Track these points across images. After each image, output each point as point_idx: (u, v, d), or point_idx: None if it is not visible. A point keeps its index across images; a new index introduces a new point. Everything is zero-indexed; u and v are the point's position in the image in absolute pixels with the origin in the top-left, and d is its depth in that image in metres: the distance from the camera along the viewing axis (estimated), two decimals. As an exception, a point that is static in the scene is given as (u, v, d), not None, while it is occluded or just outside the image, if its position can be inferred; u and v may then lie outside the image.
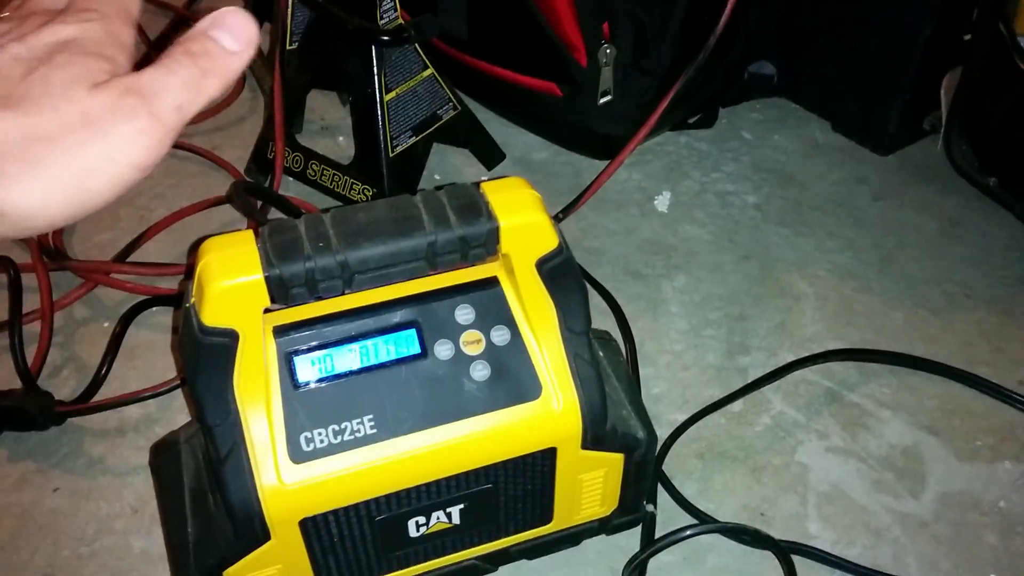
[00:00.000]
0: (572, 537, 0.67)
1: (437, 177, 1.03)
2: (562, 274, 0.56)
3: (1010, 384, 0.80)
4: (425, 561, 0.62)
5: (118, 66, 0.31)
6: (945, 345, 0.84)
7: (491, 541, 0.63)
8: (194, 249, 0.60)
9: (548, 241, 0.55)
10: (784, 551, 0.66)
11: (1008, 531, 0.70)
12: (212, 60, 0.33)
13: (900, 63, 0.99)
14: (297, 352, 0.54)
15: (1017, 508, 0.72)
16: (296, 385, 0.53)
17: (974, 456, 0.75)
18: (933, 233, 0.96)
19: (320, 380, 0.54)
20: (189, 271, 0.52)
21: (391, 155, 0.93)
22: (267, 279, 0.50)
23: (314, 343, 0.54)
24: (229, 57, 0.33)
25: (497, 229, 0.53)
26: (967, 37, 0.96)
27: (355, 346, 0.55)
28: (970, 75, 0.96)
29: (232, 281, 0.49)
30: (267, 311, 0.52)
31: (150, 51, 1.21)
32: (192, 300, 0.51)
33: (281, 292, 0.50)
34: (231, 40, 0.33)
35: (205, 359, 0.50)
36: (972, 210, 0.99)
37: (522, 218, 0.54)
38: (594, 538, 0.69)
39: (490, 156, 1.05)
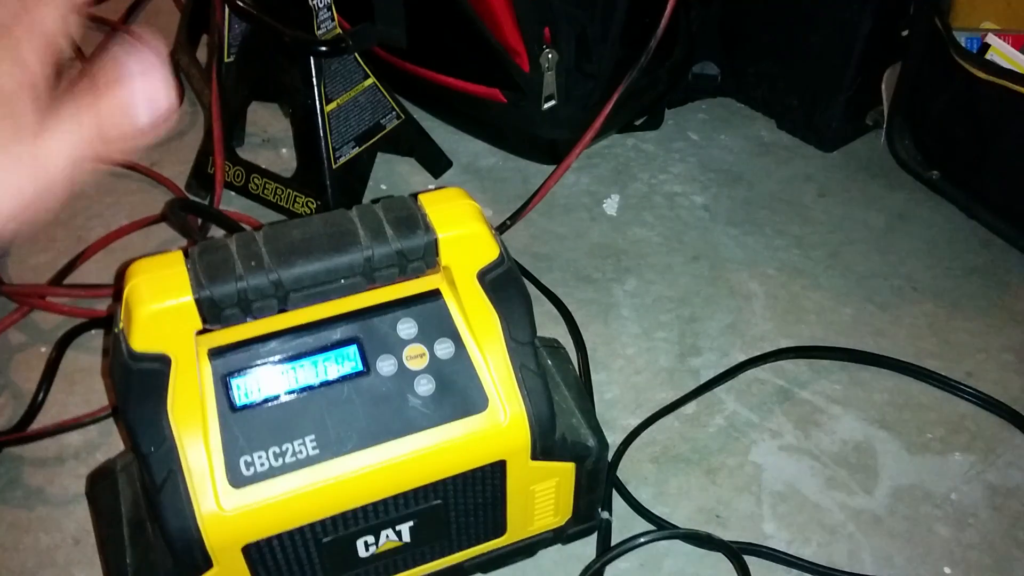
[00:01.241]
0: (527, 548, 0.66)
1: (383, 187, 1.02)
2: (504, 284, 0.55)
3: (958, 376, 0.81)
4: (377, 581, 0.61)
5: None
6: (894, 339, 0.85)
7: (444, 557, 0.62)
8: (121, 272, 0.59)
9: (488, 251, 0.54)
10: (738, 554, 0.65)
11: (960, 523, 0.70)
12: (116, 129, 0.29)
13: (841, 60, 0.99)
14: (234, 374, 0.52)
15: (968, 499, 0.72)
16: (234, 408, 0.52)
17: (925, 449, 0.76)
18: (879, 228, 0.97)
19: (259, 402, 0.52)
20: (117, 295, 0.51)
21: (334, 166, 0.91)
22: (197, 301, 0.48)
23: (251, 364, 0.53)
24: (135, 132, 0.30)
25: (435, 241, 0.52)
26: (905, 33, 0.97)
27: (294, 365, 0.53)
28: (909, 70, 0.97)
29: (161, 304, 0.48)
30: (201, 333, 0.51)
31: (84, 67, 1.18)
32: (120, 325, 0.49)
33: (213, 313, 0.49)
34: (146, 113, 0.30)
35: (136, 386, 0.49)
36: (917, 204, 1.00)
37: (461, 229, 0.53)
38: (550, 548, 0.68)
39: (437, 164, 1.04)
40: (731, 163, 1.06)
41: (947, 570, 0.68)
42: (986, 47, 0.91)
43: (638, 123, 1.09)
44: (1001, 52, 0.90)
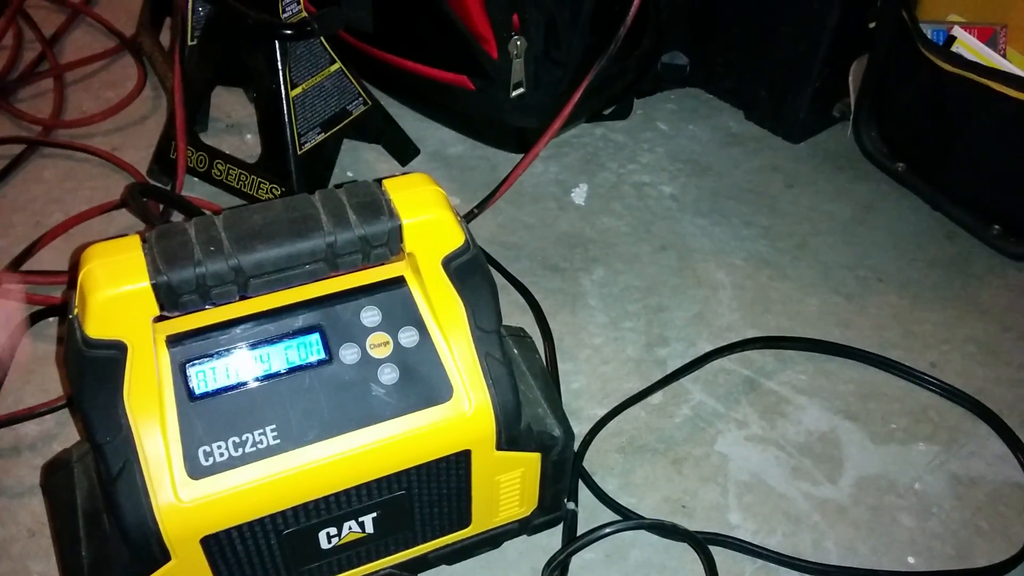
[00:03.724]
0: (492, 539, 0.65)
1: (350, 174, 1.01)
2: (470, 271, 0.54)
3: (922, 366, 0.81)
4: (339, 573, 0.60)
5: None
6: (859, 330, 0.85)
7: (408, 548, 0.61)
8: (76, 257, 0.58)
9: (454, 238, 0.53)
10: (704, 544, 0.65)
11: (924, 513, 0.71)
12: None
13: (808, 51, 0.99)
14: (192, 362, 0.51)
15: (932, 489, 0.72)
16: (192, 396, 0.51)
17: (889, 439, 0.76)
18: (845, 219, 0.97)
19: (218, 390, 0.51)
20: (71, 281, 0.50)
21: (299, 152, 0.90)
22: (154, 286, 0.47)
23: (210, 352, 0.52)
24: None
25: (400, 227, 0.51)
26: (872, 25, 0.97)
27: (255, 353, 0.52)
28: (876, 62, 0.97)
29: (116, 290, 0.46)
30: (159, 320, 0.50)
31: (45, 49, 1.16)
32: (75, 311, 0.48)
33: (171, 300, 0.48)
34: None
35: (91, 373, 0.47)
36: (882, 196, 1.00)
37: (425, 215, 0.52)
38: (515, 539, 0.67)
39: (404, 151, 1.03)
40: (699, 153, 1.06)
41: (911, 559, 0.68)
42: (952, 40, 0.92)
43: (607, 112, 1.09)
44: (967, 45, 0.91)
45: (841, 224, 0.97)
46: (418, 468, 0.56)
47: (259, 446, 0.51)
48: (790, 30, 1.00)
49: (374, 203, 0.52)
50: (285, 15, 0.85)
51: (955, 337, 0.85)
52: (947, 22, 0.96)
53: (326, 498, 0.54)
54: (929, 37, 0.90)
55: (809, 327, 0.85)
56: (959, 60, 0.86)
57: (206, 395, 0.51)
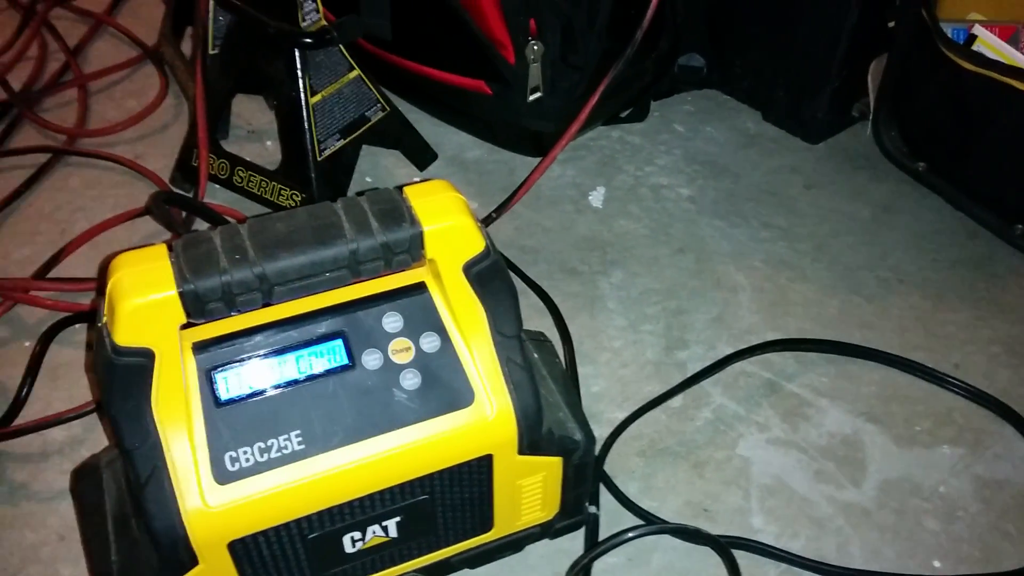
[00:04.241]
0: (514, 543, 0.66)
1: (368, 180, 1.01)
2: (490, 277, 0.55)
3: (946, 368, 0.81)
4: (364, 576, 0.60)
5: None
6: (880, 331, 0.85)
7: (431, 552, 0.62)
8: (105, 266, 0.58)
9: (474, 244, 0.54)
10: (727, 549, 0.65)
11: (949, 516, 0.70)
12: None
13: (827, 51, 0.99)
14: (218, 368, 0.52)
15: (956, 492, 0.72)
16: (218, 403, 0.51)
17: (913, 442, 0.76)
18: (865, 220, 0.97)
19: (243, 396, 0.52)
20: (100, 289, 0.50)
21: (319, 159, 0.90)
22: (181, 295, 0.48)
23: (236, 358, 0.52)
24: None
25: (421, 234, 0.52)
26: (891, 24, 0.96)
27: (279, 359, 0.53)
28: (895, 61, 0.97)
29: (144, 298, 0.47)
30: (185, 327, 0.50)
31: (69, 60, 1.17)
32: (103, 319, 0.49)
33: (197, 308, 0.48)
34: None
35: (119, 380, 0.48)
36: (903, 195, 1.00)
37: (446, 222, 0.53)
38: (537, 543, 0.68)
39: (422, 156, 1.03)
40: (717, 155, 1.06)
41: (936, 563, 0.68)
42: (973, 38, 0.91)
43: (624, 115, 1.09)
44: (988, 43, 0.90)
45: (861, 225, 0.96)
46: (440, 472, 0.56)
47: (284, 451, 0.51)
48: (808, 30, 1.00)
49: (395, 210, 0.52)
50: (305, 24, 0.86)
51: (978, 338, 0.84)
52: (967, 20, 0.95)
53: (350, 502, 0.54)
54: (949, 36, 0.90)
55: (830, 329, 0.85)
56: (980, 59, 0.86)
57: (232, 401, 0.51)
